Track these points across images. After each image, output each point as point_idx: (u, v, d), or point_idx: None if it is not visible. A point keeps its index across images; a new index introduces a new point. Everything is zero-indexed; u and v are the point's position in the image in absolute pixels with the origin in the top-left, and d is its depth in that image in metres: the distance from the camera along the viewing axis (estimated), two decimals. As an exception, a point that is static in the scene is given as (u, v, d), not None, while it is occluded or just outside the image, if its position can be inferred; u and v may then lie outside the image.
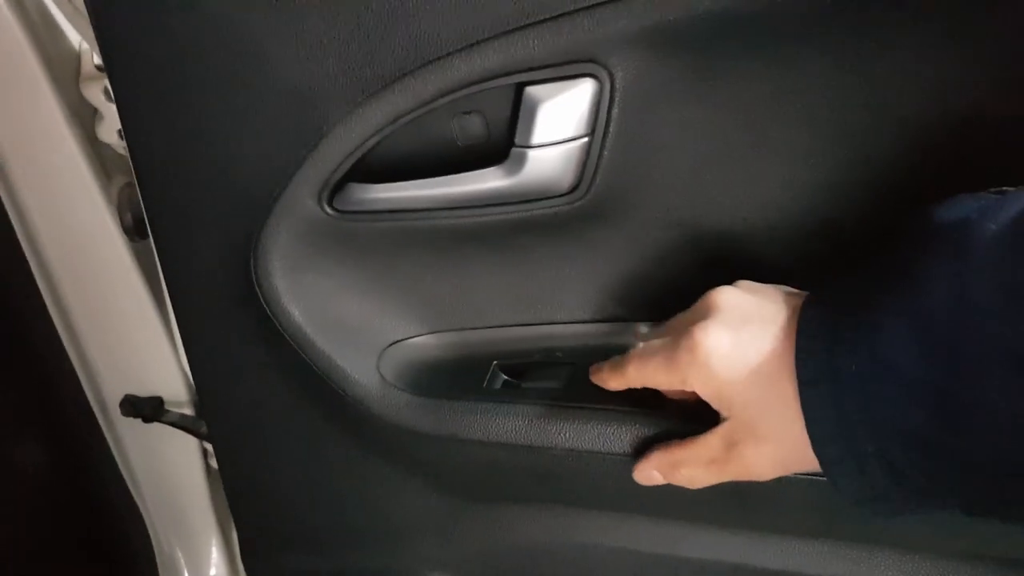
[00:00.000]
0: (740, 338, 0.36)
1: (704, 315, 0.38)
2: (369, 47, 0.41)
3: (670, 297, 0.42)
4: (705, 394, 0.38)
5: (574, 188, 0.44)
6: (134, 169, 0.50)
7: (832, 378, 0.33)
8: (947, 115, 0.39)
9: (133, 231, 0.71)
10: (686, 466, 0.40)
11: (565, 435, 0.45)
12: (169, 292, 0.56)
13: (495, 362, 0.52)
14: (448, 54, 0.40)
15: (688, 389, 0.38)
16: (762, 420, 0.36)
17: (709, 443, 0.39)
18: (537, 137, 0.41)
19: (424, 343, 0.54)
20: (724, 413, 0.38)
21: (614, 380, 0.43)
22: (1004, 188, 0.31)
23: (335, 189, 0.46)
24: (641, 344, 0.41)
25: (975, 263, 0.29)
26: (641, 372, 0.40)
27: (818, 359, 0.33)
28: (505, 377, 0.51)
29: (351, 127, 0.43)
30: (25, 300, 0.73)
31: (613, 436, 0.44)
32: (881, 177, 0.41)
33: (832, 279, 0.36)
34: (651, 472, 0.42)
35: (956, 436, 0.30)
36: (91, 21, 0.46)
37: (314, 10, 0.41)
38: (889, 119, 0.40)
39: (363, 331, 0.52)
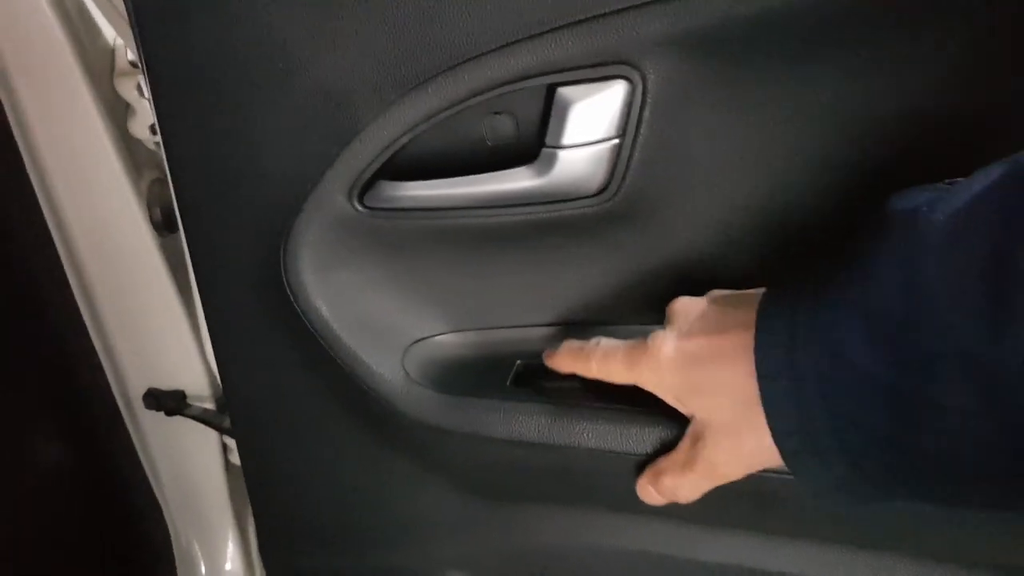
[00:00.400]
0: (691, 344, 0.38)
1: (666, 323, 0.41)
2: (403, 47, 0.41)
3: (695, 300, 0.42)
4: (663, 396, 0.40)
5: (603, 189, 0.44)
6: (167, 164, 0.50)
7: (791, 373, 0.33)
8: (971, 118, 0.39)
9: (161, 226, 0.72)
10: (666, 474, 0.41)
11: (587, 435, 0.46)
12: (198, 286, 0.56)
13: (519, 361, 0.52)
14: (482, 54, 0.40)
15: (647, 389, 0.40)
16: (720, 415, 0.37)
17: (680, 447, 0.41)
18: (568, 138, 0.42)
19: (449, 341, 0.54)
20: (686, 414, 0.40)
21: (572, 365, 0.44)
22: (955, 179, 0.31)
23: (366, 186, 0.46)
24: (603, 340, 0.43)
25: (922, 255, 0.29)
26: (604, 367, 0.42)
27: (777, 354, 0.34)
28: (528, 376, 0.52)
29: (383, 125, 0.43)
30: (54, 290, 0.74)
31: (635, 437, 0.44)
32: (908, 182, 0.41)
33: (792, 275, 0.36)
34: (646, 486, 0.43)
35: (907, 431, 0.30)
36: (130, 20, 0.46)
37: (349, 10, 0.41)
38: (915, 123, 0.40)
39: (389, 328, 0.53)
